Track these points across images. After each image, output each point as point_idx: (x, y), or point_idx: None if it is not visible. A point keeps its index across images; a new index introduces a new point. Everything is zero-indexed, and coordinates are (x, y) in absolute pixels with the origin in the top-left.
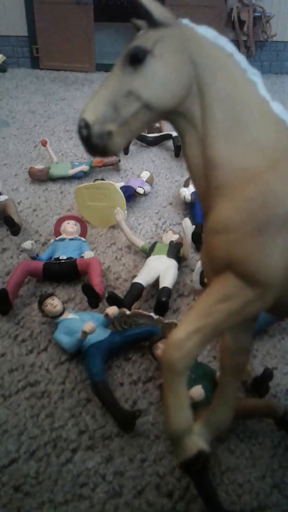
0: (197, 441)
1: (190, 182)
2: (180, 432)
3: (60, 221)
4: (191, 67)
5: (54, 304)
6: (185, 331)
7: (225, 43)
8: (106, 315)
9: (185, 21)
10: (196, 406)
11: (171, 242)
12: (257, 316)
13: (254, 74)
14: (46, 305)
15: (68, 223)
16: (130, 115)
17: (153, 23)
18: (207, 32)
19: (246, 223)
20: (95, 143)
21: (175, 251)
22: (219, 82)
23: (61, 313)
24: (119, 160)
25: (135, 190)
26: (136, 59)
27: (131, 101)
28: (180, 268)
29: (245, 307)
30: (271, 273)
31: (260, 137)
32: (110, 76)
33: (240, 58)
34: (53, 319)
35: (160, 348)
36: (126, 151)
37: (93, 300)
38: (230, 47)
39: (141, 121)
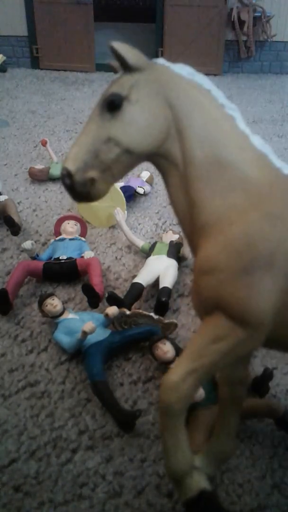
0: (199, 481)
1: None
2: (180, 473)
3: (60, 221)
4: (168, 110)
5: (54, 304)
6: (180, 373)
7: (202, 80)
8: (106, 315)
9: (161, 61)
10: (196, 406)
11: (171, 242)
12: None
13: (232, 109)
14: (46, 305)
15: (68, 223)
16: (111, 161)
17: (128, 68)
18: (183, 70)
19: (232, 264)
20: (79, 191)
21: (175, 251)
22: (196, 122)
23: (61, 313)
24: None
25: (135, 190)
26: (113, 105)
27: (111, 147)
28: (180, 268)
29: (237, 347)
30: (261, 313)
31: (241, 174)
32: (89, 122)
33: (218, 93)
34: (53, 319)
35: (160, 348)
36: None
37: (93, 300)
38: (207, 84)
39: (123, 166)
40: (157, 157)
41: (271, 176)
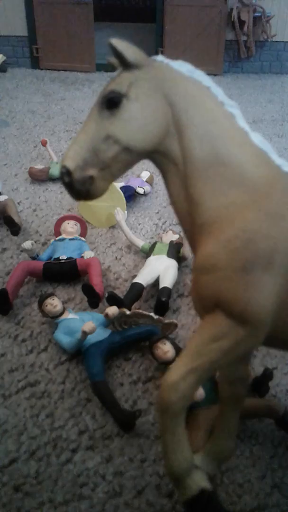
0: (199, 480)
1: None
2: (180, 472)
3: (60, 221)
4: (167, 107)
5: (54, 304)
6: (179, 372)
7: (202, 77)
8: (106, 315)
9: (160, 58)
10: (196, 406)
11: (171, 242)
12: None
13: (231, 106)
14: (46, 305)
15: (68, 223)
16: (110, 158)
17: (127, 65)
18: (182, 67)
19: (231, 262)
20: (78, 189)
21: (175, 251)
22: (196, 119)
23: (61, 313)
24: None
25: (135, 190)
26: (112, 103)
27: (110, 145)
28: (180, 268)
29: (237, 346)
30: (260, 312)
31: (241, 172)
32: (88, 120)
33: (217, 91)
34: (53, 319)
35: (160, 348)
36: None
37: (93, 300)
38: (206, 81)
39: (122, 163)
40: (156, 155)
41: (271, 173)
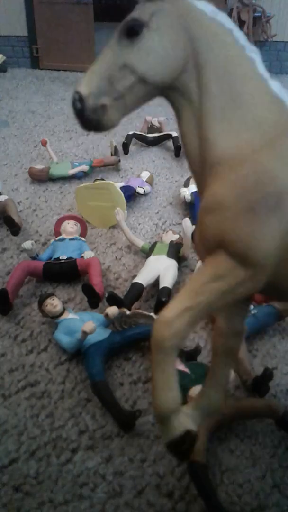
0: (185, 421)
1: (191, 181)
2: (167, 411)
3: (60, 221)
4: (187, 42)
5: (54, 304)
6: (176, 309)
7: (224, 19)
8: (106, 315)
9: None
10: None
11: (171, 242)
12: (250, 299)
13: (252, 51)
14: (46, 305)
15: (68, 223)
16: (125, 88)
17: None
18: (206, 7)
19: (238, 201)
20: (89, 117)
21: (175, 251)
22: (216, 58)
23: (61, 313)
24: (119, 160)
25: (135, 190)
26: (132, 31)
27: (126, 75)
28: (180, 268)
29: (237, 287)
30: (263, 253)
31: (257, 115)
32: (106, 48)
33: (239, 34)
34: (53, 319)
35: None
36: (126, 151)
37: (93, 300)
38: (229, 23)
39: (137, 96)
40: (172, 91)
41: (286, 120)
